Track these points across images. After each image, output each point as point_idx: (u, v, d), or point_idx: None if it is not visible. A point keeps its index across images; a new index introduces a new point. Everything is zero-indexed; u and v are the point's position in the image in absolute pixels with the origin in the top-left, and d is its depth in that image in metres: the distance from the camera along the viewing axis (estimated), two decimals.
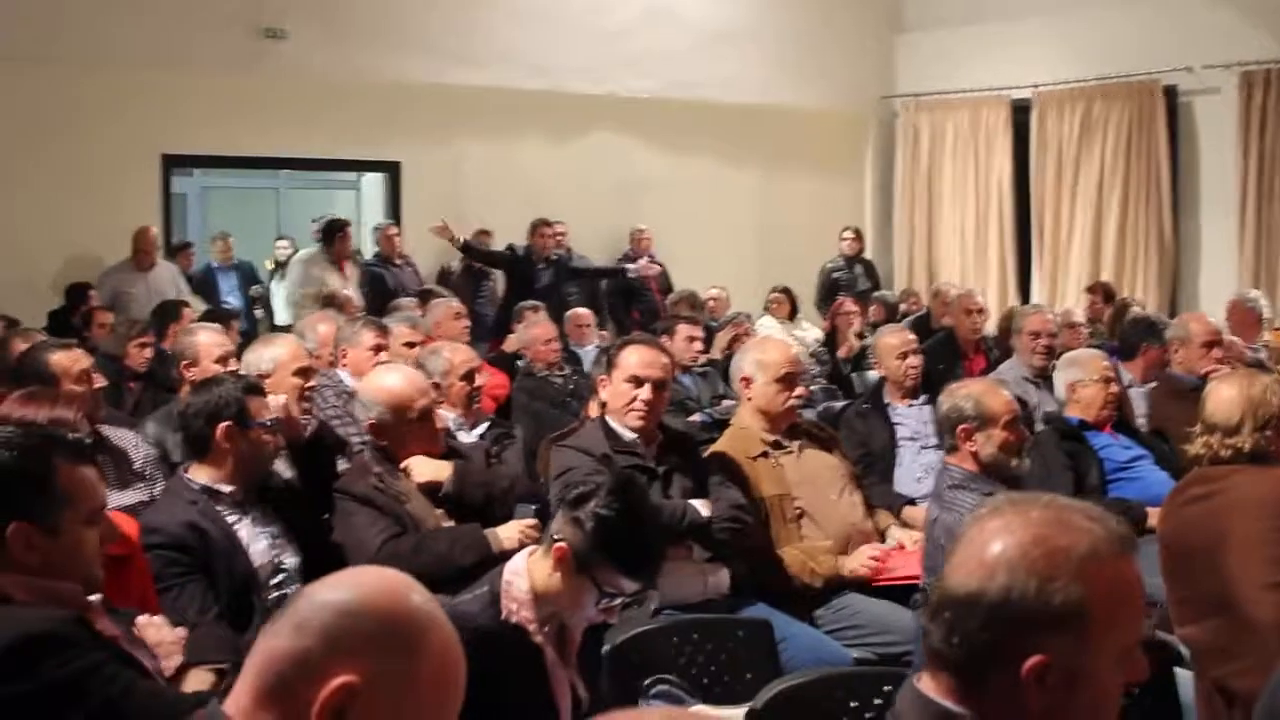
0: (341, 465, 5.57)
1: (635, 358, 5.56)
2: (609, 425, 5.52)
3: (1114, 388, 6.97)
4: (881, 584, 5.54)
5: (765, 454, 5.69)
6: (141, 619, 3.63)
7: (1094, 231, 15.70)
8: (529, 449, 6.69)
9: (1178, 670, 4.37)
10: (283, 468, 5.35)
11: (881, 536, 5.99)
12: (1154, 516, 5.37)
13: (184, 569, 4.38)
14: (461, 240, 13.46)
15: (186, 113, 13.42)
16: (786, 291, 14.48)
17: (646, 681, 4.25)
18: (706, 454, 5.70)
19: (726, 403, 8.75)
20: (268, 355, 5.92)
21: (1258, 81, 14.36)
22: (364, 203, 16.48)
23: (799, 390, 5.82)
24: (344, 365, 7.36)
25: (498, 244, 14.22)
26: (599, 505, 3.52)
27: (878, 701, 3.65)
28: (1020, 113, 16.42)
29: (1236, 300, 10.91)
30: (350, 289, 12.47)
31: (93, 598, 3.34)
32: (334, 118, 14.15)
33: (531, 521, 5.02)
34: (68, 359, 5.62)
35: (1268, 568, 2.79)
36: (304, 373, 5.89)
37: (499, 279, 14.16)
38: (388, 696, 2.02)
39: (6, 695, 2.95)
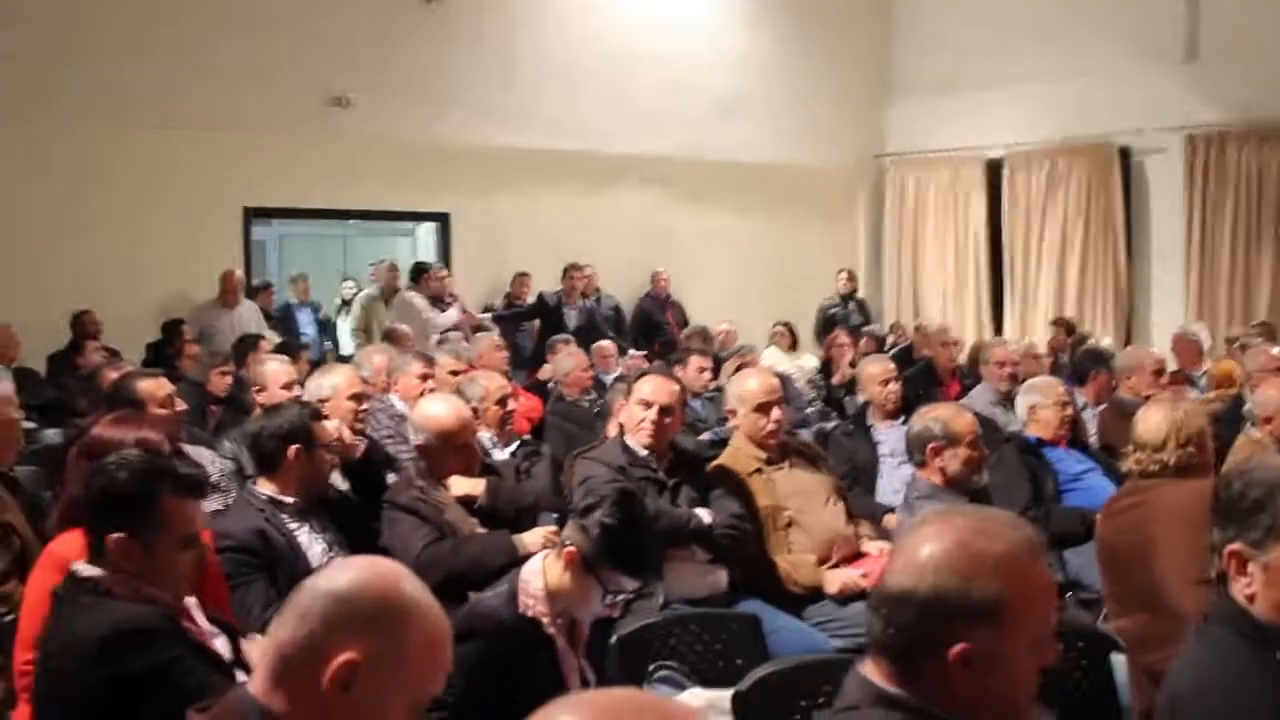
0: (390, 479, 5.60)
1: (648, 386, 5.63)
2: (626, 443, 5.57)
3: (1069, 410, 6.98)
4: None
5: (759, 470, 5.67)
6: (245, 642, 3.66)
7: (1058, 273, 15.69)
8: (558, 464, 6.73)
9: (1113, 656, 4.40)
10: (338, 480, 5.39)
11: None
12: None
13: (251, 570, 4.42)
14: (491, 316, 13.51)
15: (265, 170, 13.51)
16: (788, 325, 14.51)
17: (651, 667, 4.28)
18: (709, 469, 5.69)
19: (731, 424, 8.76)
20: (327, 383, 5.98)
21: (1200, 143, 14.36)
22: (419, 248, 16.49)
23: (775, 415, 5.77)
24: (395, 391, 7.42)
25: (535, 285, 14.31)
26: (603, 515, 3.57)
27: None
28: (993, 170, 16.42)
29: (1180, 334, 10.91)
30: (455, 312, 13.01)
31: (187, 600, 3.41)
32: (392, 174, 14.19)
33: (553, 529, 5.05)
34: (153, 386, 5.66)
35: (1189, 567, 2.83)
36: (357, 398, 5.95)
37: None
38: (386, 666, 2.07)
39: (100, 677, 3.02)
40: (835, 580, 5.42)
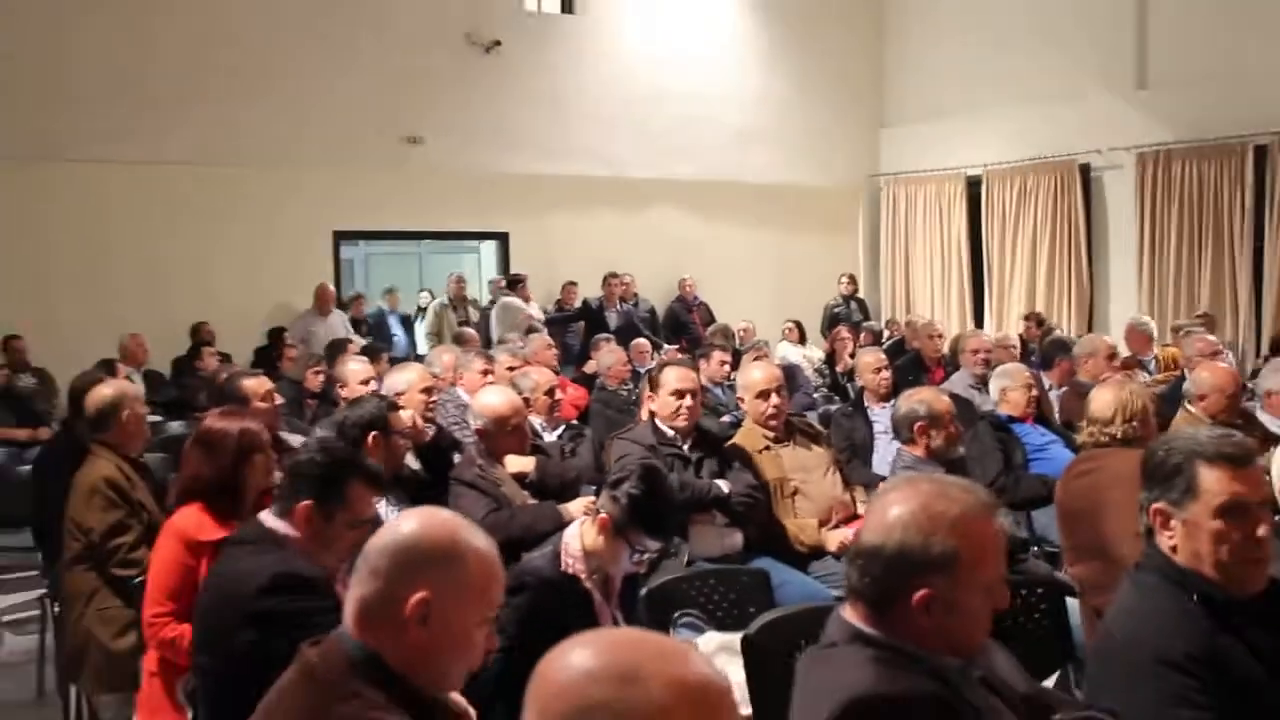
0: (456, 459, 5.66)
1: (674, 376, 5.66)
2: (656, 425, 5.61)
3: (1034, 392, 6.98)
4: None
5: (768, 448, 5.68)
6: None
7: (1029, 274, 15.58)
8: (600, 444, 6.76)
9: (1068, 599, 4.41)
10: (411, 461, 5.44)
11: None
12: None
13: None
14: (544, 319, 13.62)
15: (351, 199, 13.61)
16: (798, 323, 14.50)
17: (675, 615, 4.32)
18: (726, 447, 5.71)
19: (743, 408, 8.78)
20: (402, 379, 6.02)
21: (1150, 161, 14.22)
22: (482, 263, 16.58)
23: (774, 401, 5.78)
24: (461, 385, 7.47)
25: (580, 292, 14.38)
26: (630, 487, 3.60)
27: None
28: (973, 186, 16.31)
29: (1132, 324, 10.83)
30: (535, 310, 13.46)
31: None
32: (459, 200, 14.29)
33: (592, 499, 5.07)
34: (255, 384, 5.71)
35: (1132, 522, 2.84)
36: (428, 391, 6.00)
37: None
38: (452, 596, 2.10)
39: (259, 607, 3.08)
40: (835, 539, 5.44)
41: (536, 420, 6.35)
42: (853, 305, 16.02)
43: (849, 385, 11.32)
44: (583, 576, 3.62)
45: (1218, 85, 13.47)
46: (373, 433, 4.80)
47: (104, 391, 5.35)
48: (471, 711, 2.35)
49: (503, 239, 15.01)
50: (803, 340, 14.35)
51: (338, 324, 12.99)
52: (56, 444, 6.84)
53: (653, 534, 3.60)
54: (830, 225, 17.27)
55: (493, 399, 5.37)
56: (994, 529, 2.28)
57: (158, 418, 9.13)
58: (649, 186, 15.48)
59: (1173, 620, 2.56)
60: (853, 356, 11.87)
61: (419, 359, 10.66)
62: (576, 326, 14.04)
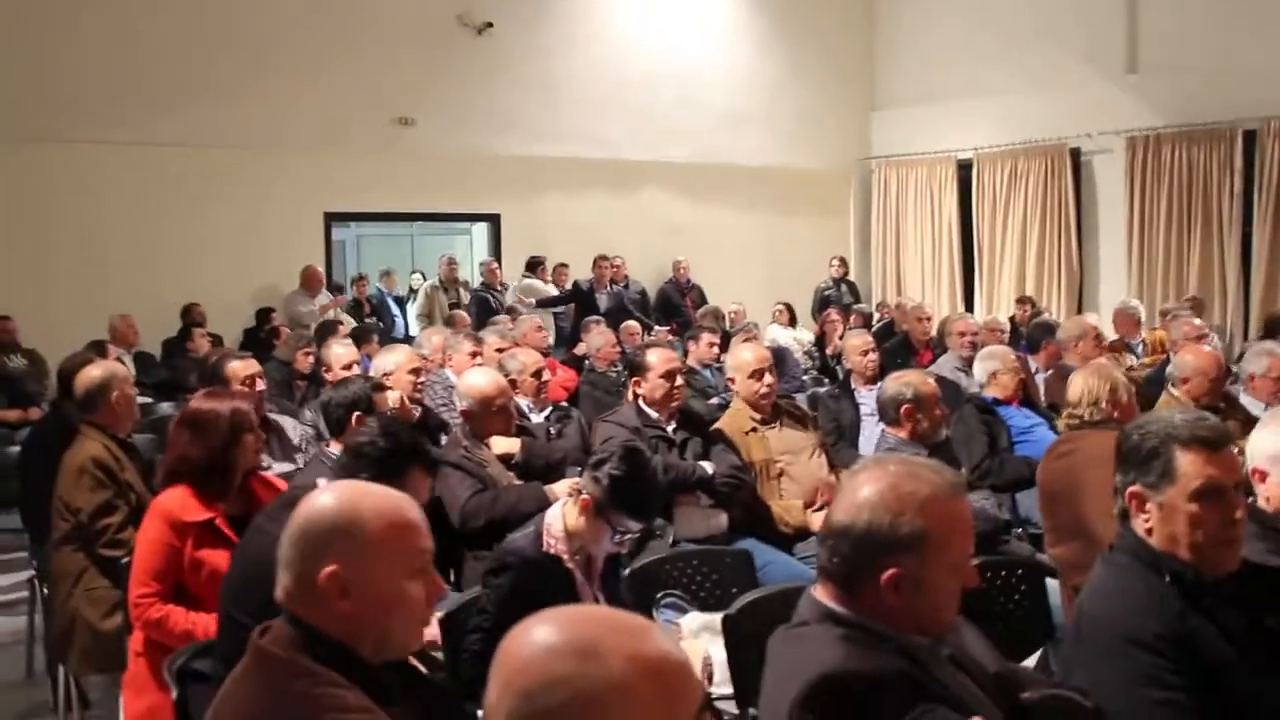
0: (443, 440, 5.67)
1: (661, 358, 5.66)
2: (641, 407, 5.62)
3: (1021, 374, 7.01)
4: None
5: (754, 429, 5.68)
6: None
7: (1019, 257, 15.63)
8: (590, 425, 6.77)
9: (1048, 580, 4.45)
10: None
11: None
12: None
13: None
14: (534, 301, 13.66)
15: (342, 181, 13.57)
16: (788, 305, 14.48)
17: (658, 595, 4.34)
18: (711, 428, 5.71)
19: (733, 389, 8.79)
20: (390, 360, 6.05)
21: (1139, 145, 14.28)
22: (474, 245, 16.53)
23: (768, 380, 5.81)
24: (450, 367, 7.48)
25: (572, 274, 14.36)
26: (611, 468, 3.60)
27: None
28: (964, 169, 16.34)
29: (1120, 308, 10.86)
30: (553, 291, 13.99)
31: None
32: (450, 182, 14.26)
33: (577, 480, 5.09)
34: (238, 367, 5.73)
35: (1109, 503, 2.85)
36: (415, 372, 6.02)
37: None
38: (361, 562, 2.09)
39: None
40: (819, 519, 5.42)
41: (523, 402, 6.36)
42: (843, 288, 16.00)
43: (838, 368, 11.32)
44: (565, 557, 3.62)
45: (1207, 70, 13.50)
46: (356, 413, 4.81)
47: (93, 373, 5.36)
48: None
49: (494, 221, 14.97)
50: (793, 322, 14.34)
51: (326, 304, 12.97)
52: (46, 425, 6.85)
53: (634, 515, 3.61)
54: (821, 208, 17.27)
55: (478, 380, 5.38)
56: (962, 509, 2.29)
57: (148, 399, 9.15)
58: (640, 169, 15.46)
59: (1144, 601, 2.58)
60: (842, 339, 11.90)
61: (409, 341, 10.69)
62: (567, 308, 14.04)
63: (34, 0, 11.85)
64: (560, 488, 4.91)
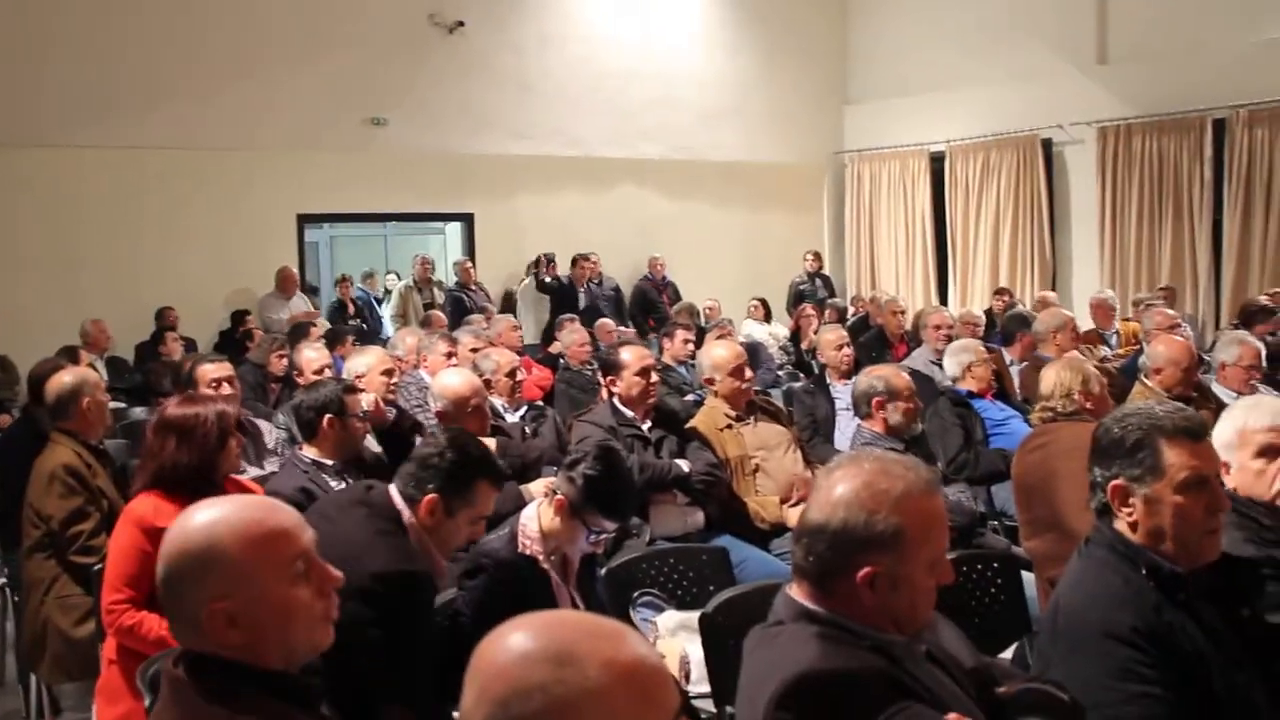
0: (418, 442, 5.62)
1: (635, 356, 5.65)
2: (615, 406, 5.61)
3: (995, 367, 7.04)
4: None
5: (730, 426, 5.68)
6: None
7: (993, 248, 15.66)
8: (565, 424, 6.75)
9: (1024, 573, 4.45)
10: (371, 444, 5.43)
11: None
12: None
13: None
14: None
15: (315, 182, 13.51)
16: (763, 300, 14.50)
17: (635, 594, 4.32)
18: (687, 426, 5.70)
19: (712, 389, 8.78)
20: (362, 362, 6.02)
21: (1110, 135, 14.32)
22: (448, 244, 16.49)
23: (748, 375, 5.84)
24: (425, 368, 7.45)
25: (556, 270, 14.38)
26: (586, 467, 3.58)
27: None
28: (937, 161, 16.37)
29: (1097, 299, 10.90)
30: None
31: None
32: (423, 182, 14.21)
33: (553, 480, 5.08)
34: (208, 369, 5.70)
35: (1084, 495, 2.84)
36: (388, 373, 5.99)
37: (546, 300, 14.26)
38: (238, 590, 2.01)
39: (376, 590, 3.06)
40: (796, 515, 5.41)
41: (498, 401, 6.34)
42: (818, 282, 16.03)
43: (814, 362, 11.33)
44: (540, 558, 3.61)
45: (1177, 60, 13.56)
46: (328, 415, 4.78)
47: (64, 379, 5.32)
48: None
49: (468, 220, 14.92)
50: (768, 318, 14.35)
51: (301, 307, 12.91)
52: (16, 431, 6.79)
53: (609, 515, 3.60)
54: (795, 202, 17.28)
55: (452, 380, 5.37)
56: (937, 506, 2.28)
57: (120, 404, 9.08)
58: (615, 166, 15.43)
59: (1121, 594, 2.57)
60: (817, 334, 11.91)
61: (384, 342, 10.64)
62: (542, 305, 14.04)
63: (6, 4, 11.76)
64: (536, 487, 4.90)
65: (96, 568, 4.39)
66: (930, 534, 2.24)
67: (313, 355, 6.63)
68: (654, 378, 5.65)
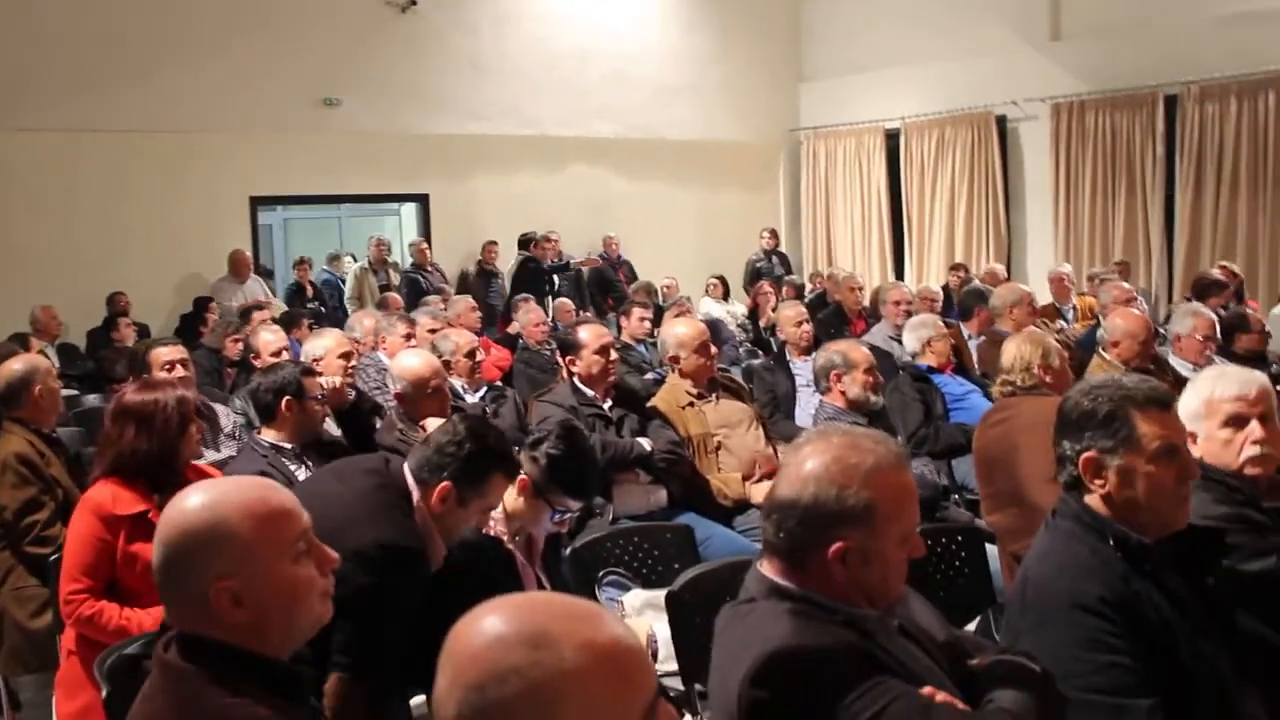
0: (377, 424, 5.59)
1: (593, 334, 5.63)
2: (576, 385, 5.59)
3: (953, 341, 7.06)
4: None
5: (691, 404, 5.67)
6: None
7: (948, 225, 15.76)
8: (525, 403, 6.72)
9: (987, 546, 4.47)
10: (331, 427, 5.38)
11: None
12: None
13: None
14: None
15: (267, 163, 13.41)
16: (721, 278, 14.53)
17: (601, 573, 4.31)
18: (648, 404, 5.69)
19: (677, 367, 8.77)
20: (320, 345, 5.96)
21: (1064, 111, 14.43)
22: (403, 225, 16.41)
23: (712, 351, 5.85)
24: (384, 349, 7.40)
25: (501, 252, 14.34)
26: (549, 447, 3.57)
27: None
28: (892, 139, 16.43)
29: (1054, 273, 10.97)
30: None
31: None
32: (378, 163, 14.12)
33: None
34: (161, 352, 5.63)
35: (1046, 468, 2.84)
36: (346, 356, 5.93)
37: (504, 279, 14.21)
38: (245, 569, 2.00)
39: (377, 559, 3.04)
40: (759, 492, 5.41)
41: (458, 382, 6.31)
42: (774, 260, 16.05)
43: (772, 340, 11.35)
44: (505, 538, 3.59)
45: (1129, 36, 13.65)
46: (286, 398, 4.72)
47: (14, 366, 5.23)
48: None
49: (423, 200, 14.86)
50: (726, 296, 14.37)
51: (256, 290, 12.78)
52: None
53: (573, 494, 3.59)
54: (751, 180, 17.30)
55: (411, 362, 5.32)
56: (907, 479, 2.26)
57: (73, 391, 8.96)
58: (569, 145, 15.39)
59: (1088, 566, 2.57)
60: (775, 311, 11.93)
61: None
62: (499, 286, 13.98)
63: None
64: None
65: (53, 558, 4.32)
66: (901, 508, 2.23)
67: (270, 338, 6.55)
68: (613, 356, 5.64)
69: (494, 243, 14.34)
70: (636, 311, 9.36)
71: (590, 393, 5.52)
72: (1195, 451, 3.11)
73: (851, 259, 16.58)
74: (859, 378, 5.40)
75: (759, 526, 5.08)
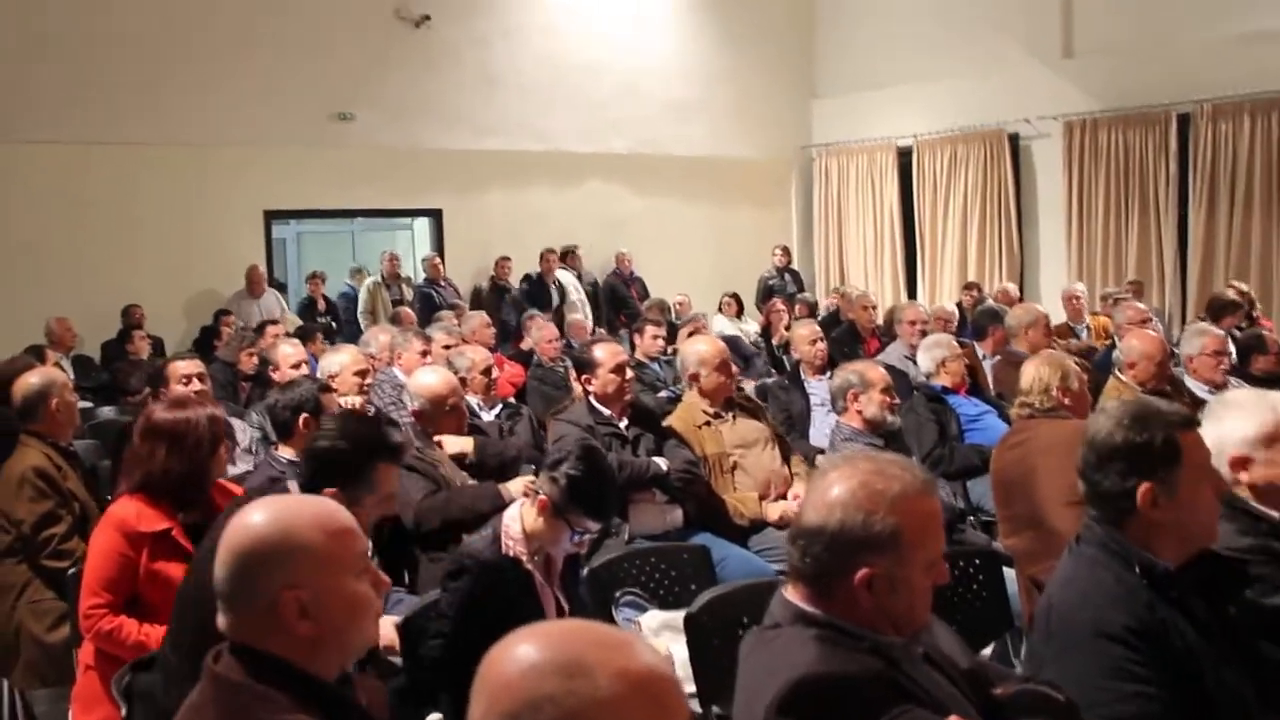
0: None
1: (608, 353, 5.61)
2: (592, 404, 5.58)
3: (968, 362, 7.05)
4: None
5: (708, 423, 5.63)
6: None
7: (961, 243, 15.74)
8: (540, 420, 6.73)
9: (1005, 569, 4.45)
10: None
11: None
12: None
13: None
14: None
15: (282, 178, 13.44)
16: (734, 296, 14.54)
17: (617, 594, 4.31)
18: (665, 423, 5.66)
19: (696, 385, 8.76)
20: (335, 361, 5.97)
21: (1076, 128, 14.41)
22: (416, 240, 16.43)
23: (733, 370, 5.85)
24: (399, 365, 7.40)
25: (514, 267, 14.33)
26: (569, 467, 3.55)
27: None
28: (904, 156, 16.42)
29: (1068, 292, 10.95)
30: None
31: None
32: (392, 177, 14.14)
33: (532, 479, 5.03)
34: (179, 365, 5.65)
35: (1064, 491, 2.84)
36: (362, 374, 5.94)
37: (517, 295, 14.22)
38: (316, 580, 2.02)
39: None
40: (775, 511, 5.41)
41: (474, 399, 6.31)
42: (787, 277, 16.06)
43: (785, 358, 11.33)
44: (523, 558, 3.57)
45: (1142, 54, 13.65)
46: (303, 415, 4.72)
47: (31, 380, 5.24)
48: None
49: (436, 215, 14.87)
50: (739, 313, 14.38)
51: (272, 304, 12.82)
52: None
53: (593, 515, 3.57)
54: (763, 197, 17.30)
55: (429, 379, 5.32)
56: (933, 506, 2.27)
57: (88, 403, 8.98)
58: (582, 161, 15.40)
59: (1113, 593, 2.57)
60: (788, 329, 11.90)
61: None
62: (511, 298, 14.01)
63: None
64: (515, 486, 4.85)
65: (70, 571, 4.33)
66: (927, 535, 2.24)
67: (290, 351, 6.56)
68: (629, 375, 5.62)
69: (507, 258, 14.34)
70: (650, 329, 9.35)
71: (607, 411, 5.51)
72: (1249, 478, 3.07)
73: (864, 276, 16.57)
74: (876, 398, 5.38)
75: (774, 546, 5.17)
